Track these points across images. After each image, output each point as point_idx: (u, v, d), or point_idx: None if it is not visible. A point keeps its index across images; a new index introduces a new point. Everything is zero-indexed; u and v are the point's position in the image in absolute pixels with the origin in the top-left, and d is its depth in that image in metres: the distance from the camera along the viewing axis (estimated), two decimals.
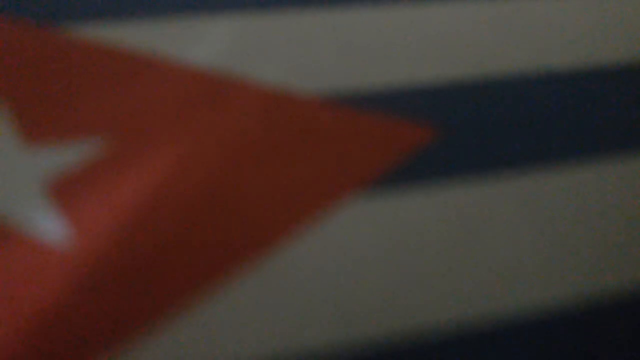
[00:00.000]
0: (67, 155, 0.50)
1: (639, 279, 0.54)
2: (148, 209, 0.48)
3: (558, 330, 0.51)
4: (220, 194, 0.51)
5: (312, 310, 0.49)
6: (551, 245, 0.54)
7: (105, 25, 0.55)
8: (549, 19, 0.65)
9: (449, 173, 0.56)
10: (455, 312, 0.51)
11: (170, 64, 0.55)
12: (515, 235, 0.54)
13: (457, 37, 0.62)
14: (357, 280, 0.51)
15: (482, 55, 0.61)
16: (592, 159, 0.58)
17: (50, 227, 0.47)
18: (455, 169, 0.56)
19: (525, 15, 0.64)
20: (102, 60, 0.54)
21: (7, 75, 0.52)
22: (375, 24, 0.61)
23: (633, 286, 0.54)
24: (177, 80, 0.55)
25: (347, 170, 0.54)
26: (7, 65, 0.52)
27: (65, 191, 0.48)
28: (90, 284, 0.45)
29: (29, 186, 0.48)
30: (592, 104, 0.61)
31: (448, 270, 0.52)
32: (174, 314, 0.46)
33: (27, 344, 0.43)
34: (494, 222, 0.54)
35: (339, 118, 0.56)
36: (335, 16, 0.61)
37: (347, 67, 0.58)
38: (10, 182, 0.48)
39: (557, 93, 0.61)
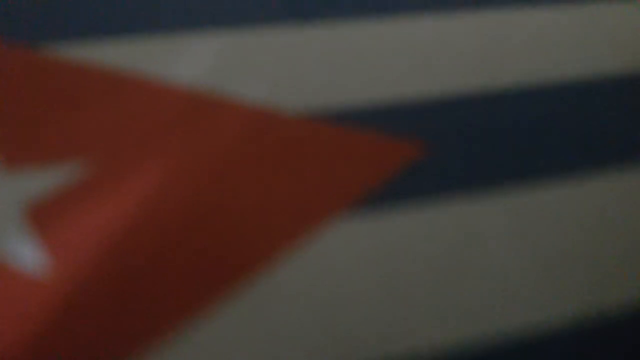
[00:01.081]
0: (47, 180, 0.49)
1: (636, 297, 0.53)
2: (130, 234, 0.47)
3: (553, 352, 0.50)
4: (203, 217, 0.50)
5: (299, 335, 0.48)
6: (544, 263, 0.53)
7: (85, 44, 0.54)
8: (540, 32, 0.64)
9: (438, 190, 0.55)
10: (448, 334, 0.50)
11: (152, 83, 0.54)
12: (508, 254, 0.53)
13: (445, 51, 0.61)
14: (347, 303, 0.50)
15: (471, 70, 0.60)
16: (585, 174, 0.58)
17: (28, 255, 0.46)
18: (445, 185, 0.55)
19: (515, 29, 0.64)
20: (83, 80, 0.53)
21: None
22: (362, 40, 0.60)
23: (630, 305, 0.53)
24: (160, 99, 0.54)
25: (334, 188, 0.53)
26: None
27: (44, 217, 0.47)
28: (69, 314, 0.44)
29: (7, 212, 0.47)
30: (584, 118, 0.60)
31: (439, 290, 0.51)
32: (156, 341, 0.45)
33: None
34: (485, 240, 0.53)
35: (325, 135, 0.55)
36: (320, 32, 0.60)
37: (333, 83, 0.57)
38: None
39: (547, 107, 0.60)
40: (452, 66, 0.61)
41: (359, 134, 0.56)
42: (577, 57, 0.63)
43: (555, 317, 0.51)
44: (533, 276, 0.53)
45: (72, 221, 0.47)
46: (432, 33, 0.62)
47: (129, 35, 0.56)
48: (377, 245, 0.52)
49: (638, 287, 0.54)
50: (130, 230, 0.48)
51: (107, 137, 0.51)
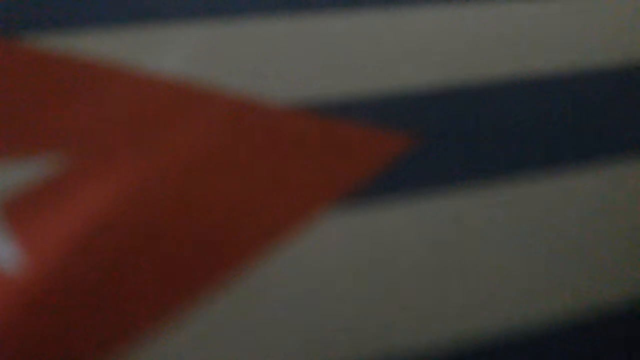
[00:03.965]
0: (23, 174, 0.47)
1: (632, 290, 0.52)
2: (108, 230, 0.46)
3: (548, 346, 0.49)
4: (186, 210, 0.48)
5: (287, 331, 0.47)
6: (538, 257, 0.52)
7: (65, 34, 0.53)
8: (529, 25, 0.63)
9: (430, 183, 0.53)
10: (438, 330, 0.48)
11: (135, 74, 0.53)
12: (499, 247, 0.52)
13: (435, 43, 0.60)
14: (336, 298, 0.48)
15: (461, 62, 0.59)
16: (579, 166, 0.56)
17: (1, 250, 0.44)
18: (436, 178, 0.54)
19: (505, 21, 0.63)
20: (63, 71, 0.52)
21: None
22: (351, 31, 0.59)
23: (628, 299, 0.52)
24: (143, 91, 0.53)
25: (323, 181, 0.52)
26: None
27: (19, 212, 0.46)
28: (42, 311, 0.43)
29: None
30: (577, 110, 0.59)
31: (431, 284, 0.50)
32: (134, 340, 0.44)
33: None
34: (477, 232, 0.52)
35: (314, 127, 0.54)
36: (309, 24, 0.59)
37: (323, 75, 0.56)
38: None
39: (538, 99, 0.59)
40: (443, 58, 0.59)
41: (348, 125, 0.54)
42: (570, 50, 0.62)
43: (550, 312, 0.50)
44: (527, 270, 0.51)
45: (47, 216, 0.46)
46: (425, 25, 0.61)
47: (112, 26, 0.55)
48: (367, 239, 0.50)
49: (635, 280, 0.53)
50: (108, 224, 0.46)
51: (87, 130, 0.50)
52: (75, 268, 0.44)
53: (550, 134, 0.58)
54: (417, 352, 0.47)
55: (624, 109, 0.60)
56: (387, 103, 0.56)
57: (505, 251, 0.52)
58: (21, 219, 0.45)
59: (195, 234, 0.48)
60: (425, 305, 0.49)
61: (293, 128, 0.53)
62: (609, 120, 0.59)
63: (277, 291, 0.48)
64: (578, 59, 0.62)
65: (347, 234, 0.50)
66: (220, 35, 0.56)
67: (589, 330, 0.50)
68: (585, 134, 0.58)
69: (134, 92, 0.52)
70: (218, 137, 0.52)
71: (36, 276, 0.43)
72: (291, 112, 0.54)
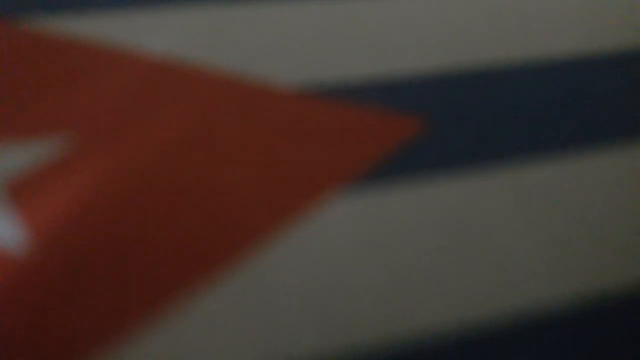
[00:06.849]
0: (26, 155, 0.47)
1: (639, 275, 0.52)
2: (113, 210, 0.45)
3: (557, 331, 0.48)
4: (192, 192, 0.48)
5: (296, 315, 0.46)
6: (546, 240, 0.51)
7: (62, 17, 0.53)
8: (540, 7, 0.63)
9: (438, 166, 0.53)
10: (448, 313, 0.48)
11: (134, 57, 0.53)
12: (509, 230, 0.51)
13: (445, 26, 0.59)
14: (345, 282, 0.48)
15: (470, 45, 0.59)
16: (586, 149, 0.56)
17: (7, 232, 0.44)
18: (446, 161, 0.53)
19: (515, 4, 0.62)
20: (61, 53, 0.51)
21: None
22: (360, 15, 0.59)
23: (634, 283, 0.51)
24: (143, 72, 0.52)
25: (331, 165, 0.51)
26: None
27: (23, 194, 0.45)
28: (49, 293, 0.42)
29: None
30: (585, 93, 0.59)
31: (439, 268, 0.49)
32: (143, 322, 0.43)
33: None
34: (487, 216, 0.51)
35: (322, 111, 0.53)
36: (316, 6, 0.58)
37: (330, 58, 0.56)
38: None
39: (548, 82, 0.59)
40: (452, 42, 0.59)
41: (356, 109, 0.54)
42: (582, 33, 0.62)
43: (561, 295, 0.50)
44: (537, 253, 0.51)
45: (52, 197, 0.45)
46: (433, 7, 0.60)
47: (112, 8, 0.54)
48: (376, 224, 0.50)
49: None
50: (114, 205, 0.46)
51: (87, 112, 0.49)
52: (79, 248, 0.44)
53: (561, 117, 0.57)
54: (428, 335, 0.47)
55: (633, 93, 0.60)
56: (397, 86, 0.56)
57: (515, 234, 0.51)
58: (27, 200, 0.45)
59: (202, 215, 0.47)
60: (436, 288, 0.48)
61: (301, 111, 0.53)
62: (619, 104, 0.59)
63: (288, 275, 0.47)
64: (589, 43, 0.61)
65: (357, 218, 0.50)
66: (227, 17, 0.56)
67: (599, 313, 0.49)
68: (595, 117, 0.58)
69: (135, 74, 0.52)
70: (225, 120, 0.51)
71: (41, 256, 0.43)
72: (298, 95, 0.53)
